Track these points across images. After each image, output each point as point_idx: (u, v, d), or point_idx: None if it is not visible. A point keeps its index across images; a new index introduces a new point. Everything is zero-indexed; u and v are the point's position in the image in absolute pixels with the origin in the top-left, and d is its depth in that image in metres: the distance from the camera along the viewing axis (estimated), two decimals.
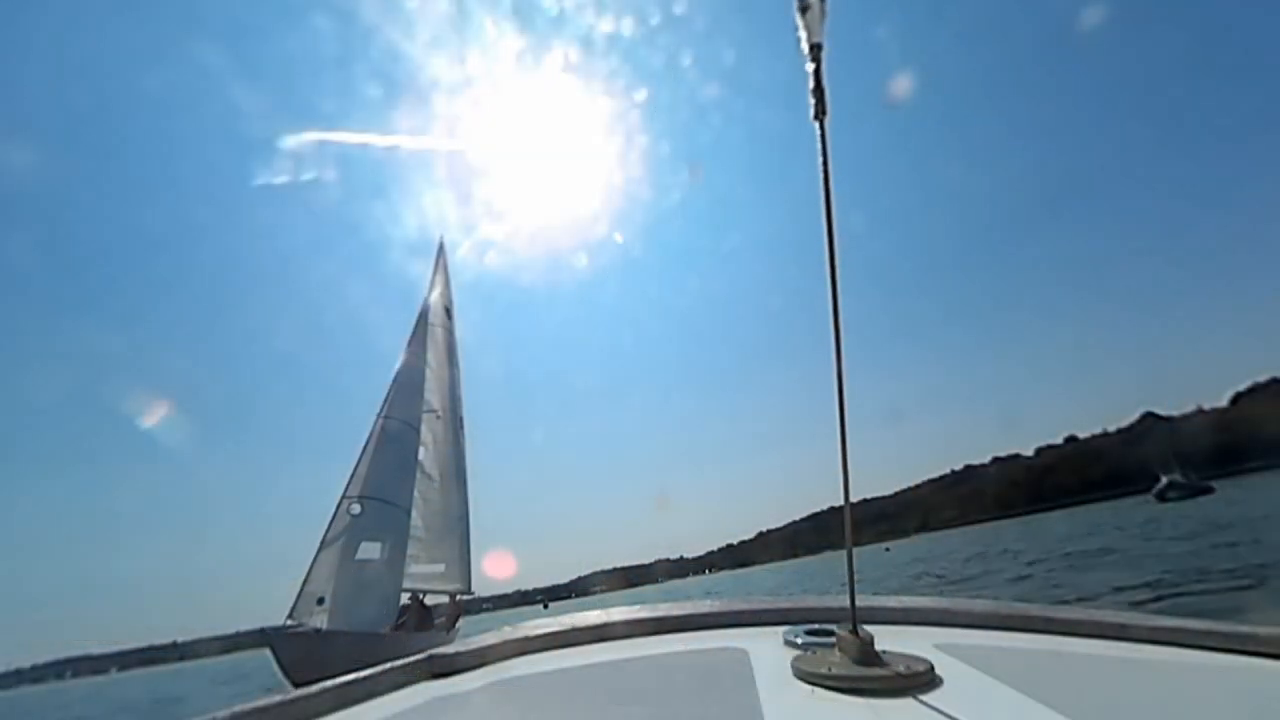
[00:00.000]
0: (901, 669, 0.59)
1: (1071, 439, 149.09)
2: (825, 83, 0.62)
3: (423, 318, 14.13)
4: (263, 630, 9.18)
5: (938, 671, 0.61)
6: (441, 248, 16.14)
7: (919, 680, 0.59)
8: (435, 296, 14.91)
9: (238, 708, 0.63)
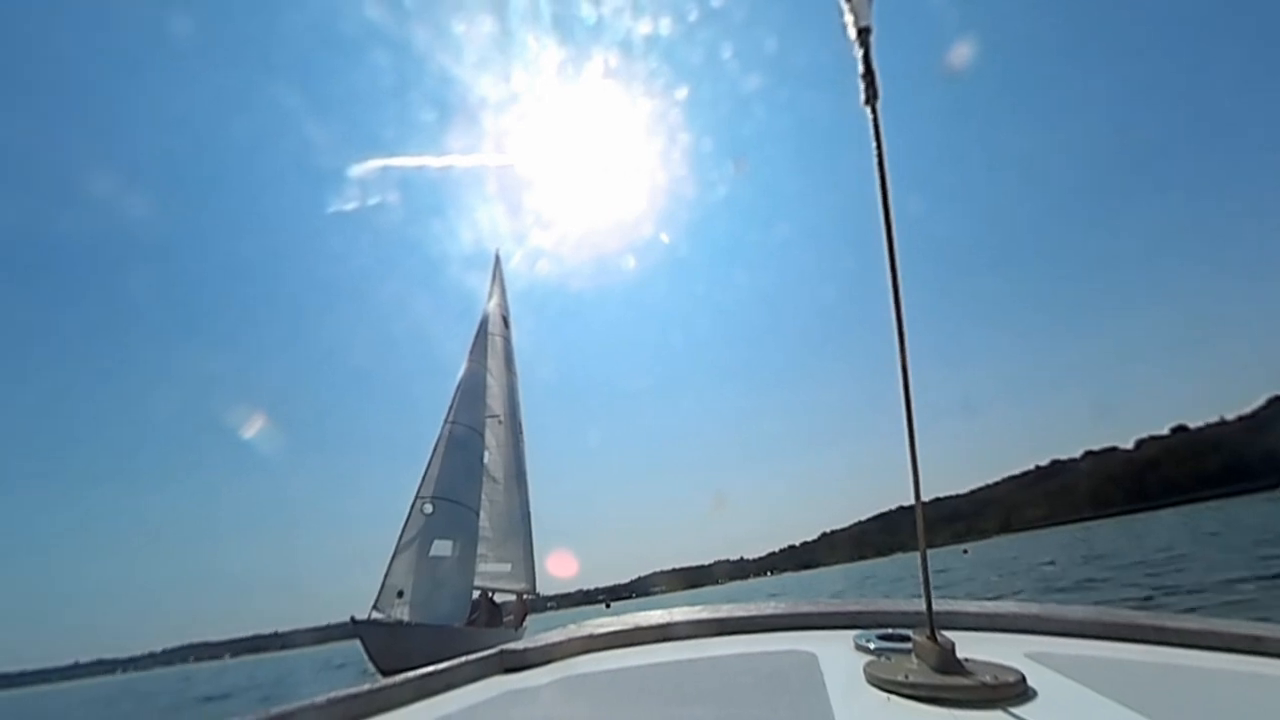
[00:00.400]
0: (988, 679, 0.55)
1: (1180, 429, 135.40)
2: (875, 66, 0.59)
3: (482, 327, 14.80)
4: (352, 619, 9.90)
5: (1030, 683, 0.56)
6: (497, 260, 16.89)
7: (1008, 692, 0.54)
8: (493, 306, 15.60)
9: (333, 694, 0.68)
